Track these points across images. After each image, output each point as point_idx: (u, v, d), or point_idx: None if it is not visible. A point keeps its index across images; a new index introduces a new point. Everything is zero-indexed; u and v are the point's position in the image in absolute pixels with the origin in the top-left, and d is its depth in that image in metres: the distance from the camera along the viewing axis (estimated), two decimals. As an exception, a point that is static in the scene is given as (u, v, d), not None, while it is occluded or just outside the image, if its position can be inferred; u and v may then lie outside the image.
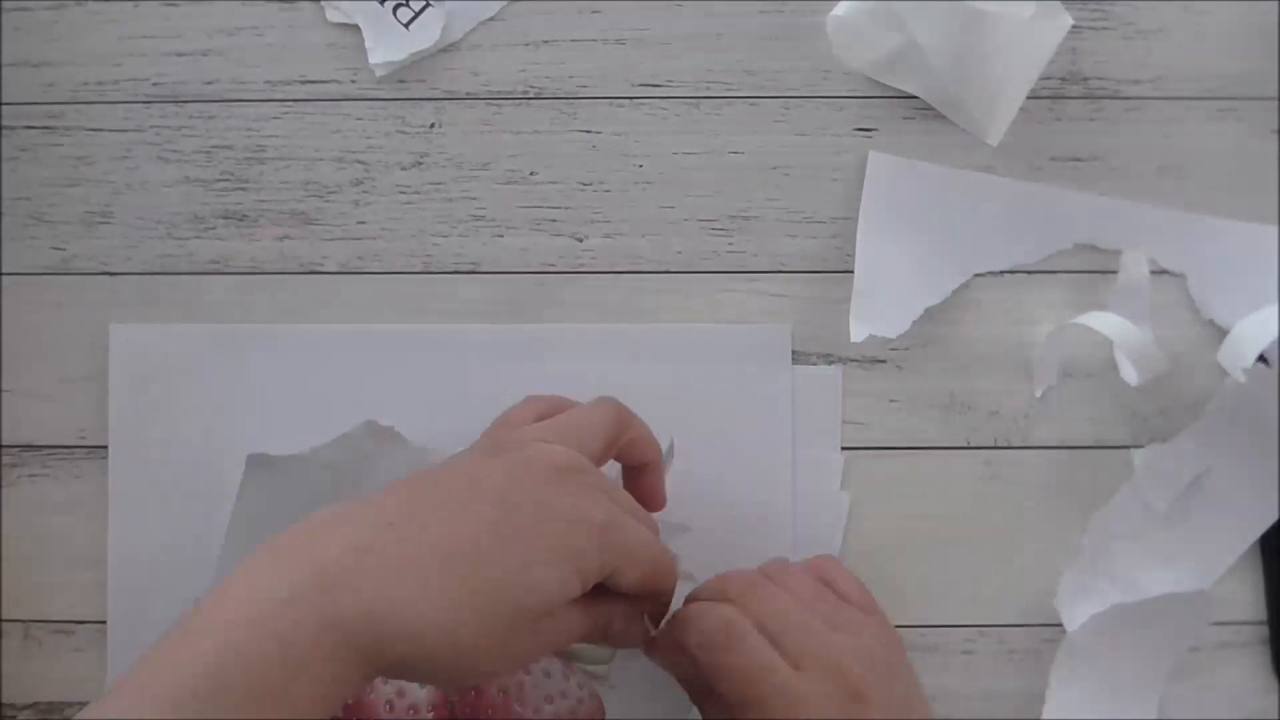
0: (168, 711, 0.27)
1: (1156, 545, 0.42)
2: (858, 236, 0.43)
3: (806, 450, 0.43)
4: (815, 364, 0.43)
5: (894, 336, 0.43)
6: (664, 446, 0.40)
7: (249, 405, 0.43)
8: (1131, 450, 0.43)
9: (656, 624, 0.37)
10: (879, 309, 0.43)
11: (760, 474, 0.42)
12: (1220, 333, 0.43)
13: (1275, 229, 0.43)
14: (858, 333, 0.42)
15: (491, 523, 0.32)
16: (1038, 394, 0.43)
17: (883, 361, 0.43)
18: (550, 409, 0.38)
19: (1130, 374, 0.42)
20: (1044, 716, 0.41)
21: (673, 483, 0.41)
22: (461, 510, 0.32)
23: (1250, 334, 0.41)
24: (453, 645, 0.30)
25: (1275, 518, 0.42)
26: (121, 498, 0.42)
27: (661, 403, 0.40)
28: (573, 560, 0.32)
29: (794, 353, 0.43)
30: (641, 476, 0.39)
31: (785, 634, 0.34)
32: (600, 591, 0.34)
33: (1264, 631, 0.42)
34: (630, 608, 0.36)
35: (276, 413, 0.43)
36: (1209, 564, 0.42)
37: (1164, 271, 0.43)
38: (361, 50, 0.44)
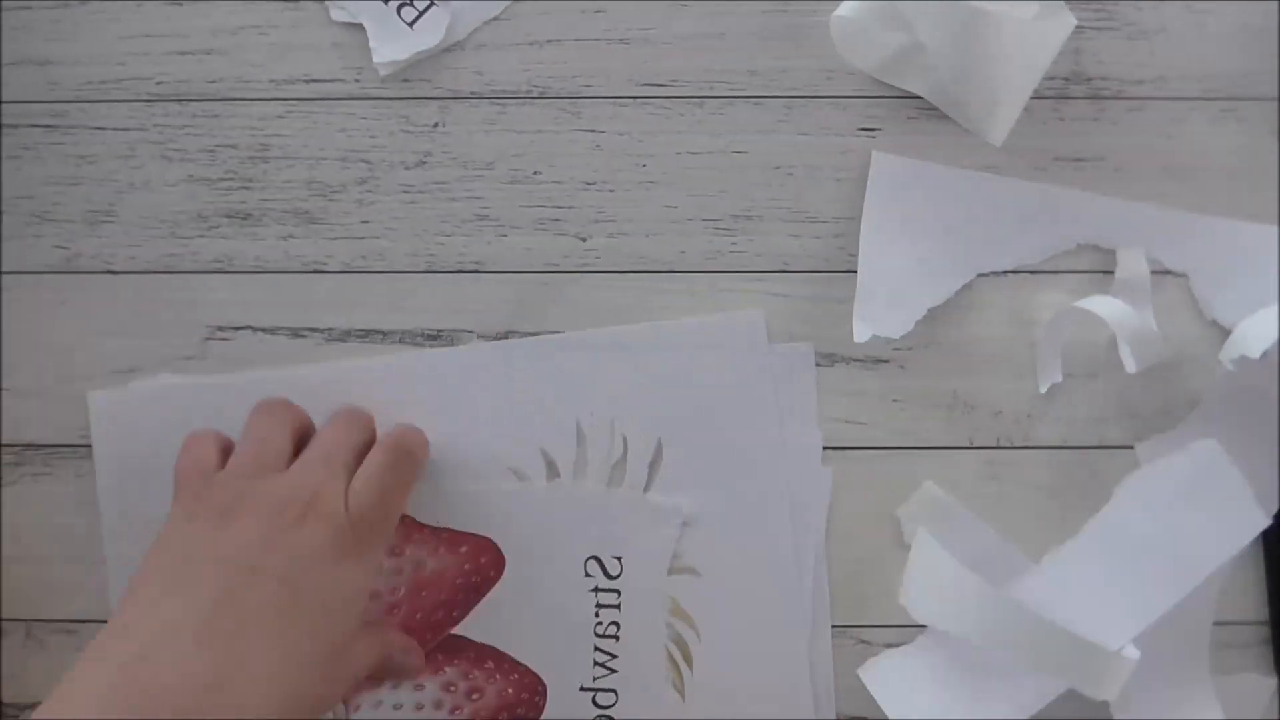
0: None
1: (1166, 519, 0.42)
2: (861, 236, 0.43)
3: (786, 430, 0.43)
4: (819, 365, 0.43)
5: (897, 336, 0.43)
6: (651, 448, 0.41)
7: None
8: (1137, 447, 0.43)
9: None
10: (882, 309, 0.43)
11: (752, 460, 0.43)
12: (1223, 332, 0.43)
13: (1277, 229, 0.43)
14: (861, 333, 0.42)
15: (290, 632, 0.33)
16: (1042, 389, 0.43)
17: (885, 361, 0.43)
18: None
19: (1130, 361, 0.42)
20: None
21: (670, 477, 0.41)
22: (276, 626, 0.33)
23: (1253, 333, 0.41)
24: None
25: (1276, 508, 0.42)
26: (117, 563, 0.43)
27: (646, 402, 0.42)
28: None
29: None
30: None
31: None
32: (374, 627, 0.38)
33: (1264, 631, 0.42)
34: (406, 642, 0.40)
35: None
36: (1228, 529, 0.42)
37: (1166, 271, 0.43)
38: (365, 49, 0.44)
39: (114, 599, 0.42)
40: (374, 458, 0.38)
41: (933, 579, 0.40)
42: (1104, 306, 0.41)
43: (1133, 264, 0.43)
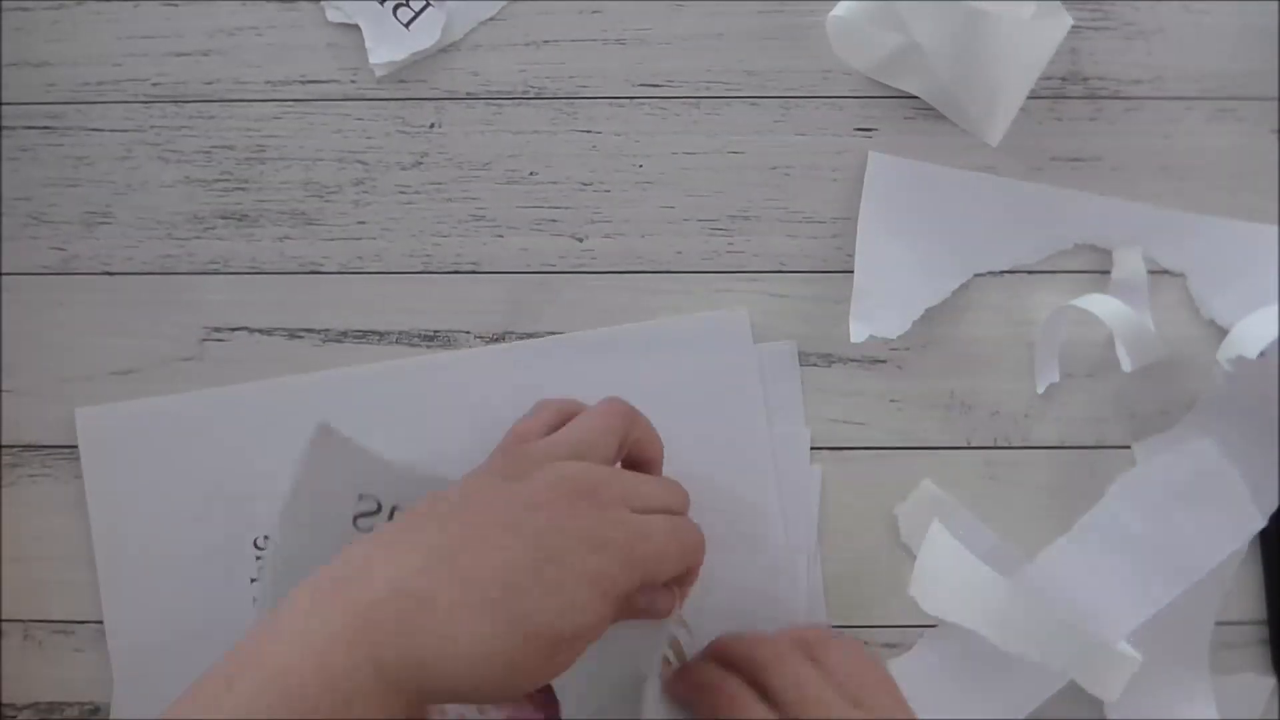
0: None
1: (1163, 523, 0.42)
2: (858, 237, 0.43)
3: (776, 428, 0.43)
4: (817, 365, 0.43)
5: (894, 337, 0.43)
6: None
7: (227, 468, 0.43)
8: (1134, 446, 0.43)
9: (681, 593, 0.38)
10: (879, 309, 0.43)
11: (740, 458, 0.43)
12: (1220, 332, 0.43)
13: (1275, 228, 0.43)
14: (858, 333, 0.42)
15: (523, 559, 0.32)
16: (1040, 390, 0.43)
17: (883, 361, 0.43)
18: (560, 416, 0.38)
19: (1127, 360, 0.42)
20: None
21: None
22: (493, 547, 0.33)
23: (1250, 333, 0.41)
24: (493, 677, 0.31)
25: (1275, 506, 0.42)
26: (113, 601, 0.42)
27: (633, 402, 0.41)
28: (602, 586, 0.33)
29: (799, 353, 0.43)
30: (643, 470, 0.39)
31: (803, 706, 0.35)
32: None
33: (1264, 631, 0.42)
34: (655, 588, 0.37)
35: (260, 471, 0.42)
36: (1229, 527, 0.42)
37: (1164, 271, 0.43)
38: (362, 50, 0.44)
39: (104, 605, 0.42)
40: (679, 542, 0.36)
41: (945, 570, 0.40)
42: (1101, 305, 0.41)
43: (1130, 263, 0.43)
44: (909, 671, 0.42)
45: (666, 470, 0.40)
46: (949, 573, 0.40)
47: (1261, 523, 0.41)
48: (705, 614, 0.42)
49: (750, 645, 0.38)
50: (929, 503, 0.42)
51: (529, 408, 0.41)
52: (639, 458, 0.39)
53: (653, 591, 0.36)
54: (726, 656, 0.39)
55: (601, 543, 0.33)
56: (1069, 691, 0.41)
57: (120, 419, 0.43)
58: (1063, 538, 0.42)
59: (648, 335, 0.43)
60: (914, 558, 0.42)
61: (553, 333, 0.44)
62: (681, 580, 0.38)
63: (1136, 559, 0.41)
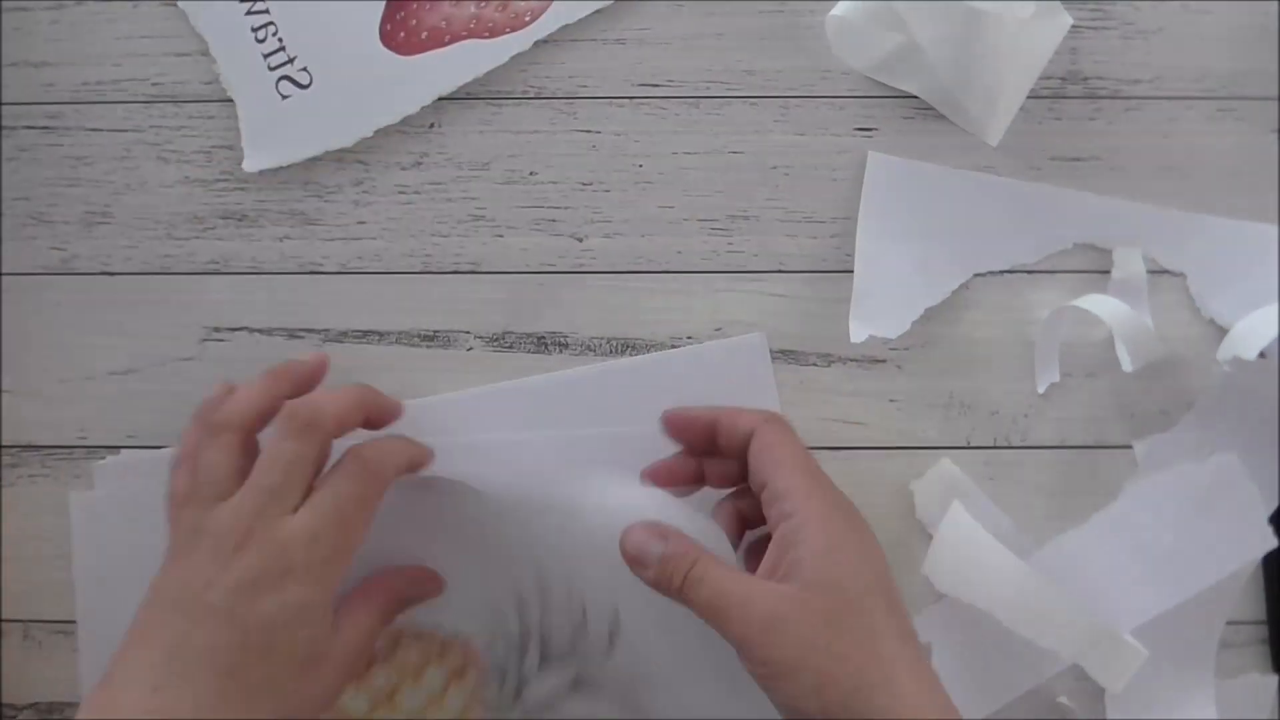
0: None
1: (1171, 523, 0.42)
2: (857, 237, 0.43)
3: None
4: (816, 365, 0.43)
5: (894, 337, 0.43)
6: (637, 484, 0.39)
7: None
8: (1135, 446, 0.43)
9: None
10: (879, 309, 0.43)
11: None
12: (1220, 331, 0.43)
13: (1275, 228, 0.43)
14: (858, 333, 0.42)
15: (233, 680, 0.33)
16: (1041, 390, 0.43)
17: (882, 361, 0.43)
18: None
19: (1127, 360, 0.42)
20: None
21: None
22: (226, 666, 0.33)
23: (1250, 332, 0.41)
24: None
25: (1275, 506, 0.42)
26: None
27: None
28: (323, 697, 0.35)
29: (794, 353, 0.43)
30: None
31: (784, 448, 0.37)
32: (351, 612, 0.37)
33: (1264, 631, 0.42)
34: (398, 584, 0.39)
35: None
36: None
37: (1164, 271, 0.43)
38: (361, 50, 0.44)
39: (84, 680, 0.42)
40: (329, 479, 0.36)
41: (961, 550, 0.40)
42: (1101, 305, 0.41)
43: (1130, 263, 0.43)
44: None
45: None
46: (966, 552, 0.40)
47: (1275, 543, 0.41)
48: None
49: (709, 410, 0.39)
50: (946, 481, 0.42)
51: (553, 441, 0.42)
52: (379, 425, 0.39)
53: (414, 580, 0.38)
54: (684, 419, 0.39)
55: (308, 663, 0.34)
56: (1067, 679, 0.41)
57: (113, 503, 0.42)
58: (1075, 529, 0.42)
59: (670, 363, 0.43)
60: (916, 560, 0.42)
61: (553, 333, 0.43)
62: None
63: (1147, 560, 0.41)
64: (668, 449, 0.40)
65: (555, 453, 0.41)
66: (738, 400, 0.40)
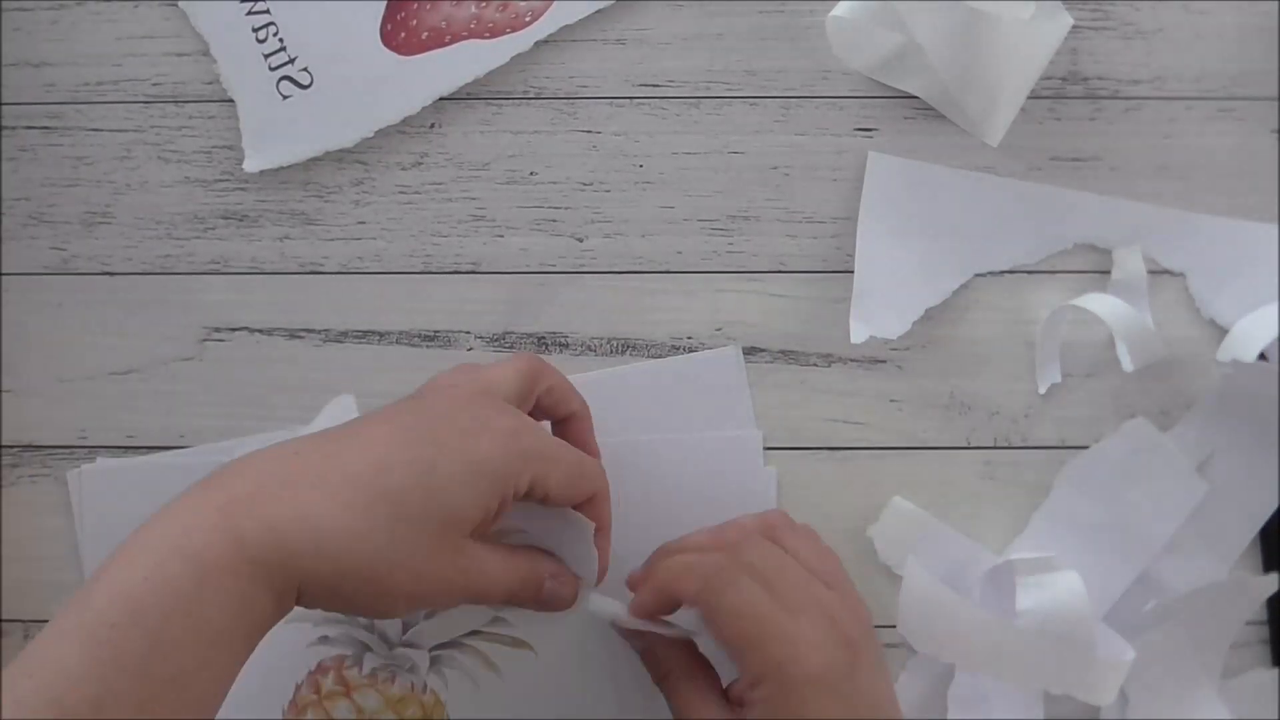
0: (87, 646, 0.28)
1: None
2: (857, 237, 0.43)
3: (726, 432, 0.43)
4: (816, 365, 0.43)
5: (895, 338, 0.43)
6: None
7: None
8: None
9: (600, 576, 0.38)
10: (879, 310, 0.43)
11: (739, 485, 0.43)
12: (1220, 331, 0.43)
13: (1275, 227, 0.43)
14: (858, 334, 0.42)
15: (396, 439, 0.32)
16: (1041, 390, 0.43)
17: (883, 362, 0.43)
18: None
19: (1127, 360, 0.42)
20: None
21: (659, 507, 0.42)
22: (367, 434, 0.32)
23: (1250, 332, 0.41)
24: (361, 558, 0.30)
25: (1275, 506, 0.42)
26: None
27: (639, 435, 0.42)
28: (482, 467, 0.32)
29: (794, 353, 0.43)
30: (569, 429, 0.39)
31: (780, 582, 0.35)
32: (531, 552, 0.35)
33: (1264, 631, 0.42)
34: (560, 568, 0.36)
35: None
36: (1219, 551, 0.42)
37: (1164, 271, 0.43)
38: (361, 50, 0.44)
39: None
40: (573, 455, 0.36)
41: (926, 609, 0.40)
42: (1101, 304, 0.41)
43: (1129, 263, 0.43)
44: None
45: (666, 490, 0.40)
46: (928, 610, 0.39)
47: (1204, 489, 0.41)
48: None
49: (715, 532, 0.38)
50: (901, 519, 0.42)
51: None
52: (559, 413, 0.38)
53: (558, 578, 0.36)
54: (691, 546, 0.38)
55: (482, 427, 0.33)
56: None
57: (114, 478, 0.42)
58: (1020, 536, 0.42)
59: (643, 375, 0.43)
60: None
61: (552, 333, 0.44)
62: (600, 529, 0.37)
63: (1092, 542, 0.41)
64: (633, 461, 0.41)
65: None
66: (711, 413, 0.41)
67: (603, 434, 0.40)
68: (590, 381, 0.42)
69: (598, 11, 0.44)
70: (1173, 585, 0.42)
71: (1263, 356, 0.41)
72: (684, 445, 0.42)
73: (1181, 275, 0.43)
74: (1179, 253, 0.43)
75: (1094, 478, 0.42)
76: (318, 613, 0.33)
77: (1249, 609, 0.42)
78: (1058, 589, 0.39)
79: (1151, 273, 0.43)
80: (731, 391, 0.43)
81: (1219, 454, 0.42)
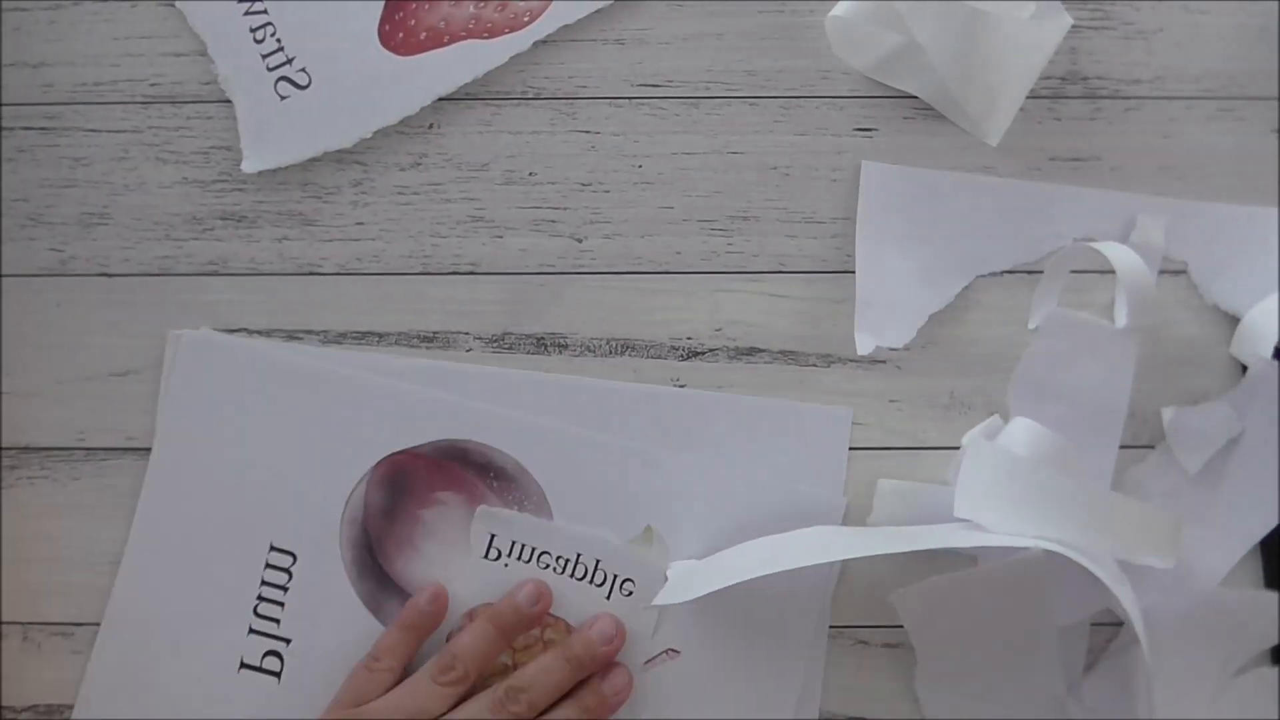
0: None
1: (1188, 506, 0.42)
2: (857, 247, 0.43)
3: (809, 488, 0.43)
4: (816, 365, 0.43)
5: (901, 346, 0.43)
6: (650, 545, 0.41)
7: (296, 438, 0.42)
8: (1163, 412, 0.43)
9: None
10: (883, 319, 0.43)
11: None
12: (1224, 317, 0.43)
13: (1275, 211, 0.43)
14: (864, 345, 0.42)
15: None
16: (1031, 326, 0.43)
17: (883, 362, 0.43)
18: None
19: (1122, 315, 0.42)
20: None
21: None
22: None
23: (1260, 323, 0.41)
24: None
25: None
26: (155, 502, 0.43)
27: (727, 471, 0.42)
28: None
29: (794, 354, 0.43)
30: None
31: None
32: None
33: (1264, 630, 0.42)
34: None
35: (320, 450, 0.42)
36: (1241, 529, 0.42)
37: (1163, 271, 0.43)
38: (360, 50, 0.44)
39: (117, 599, 0.42)
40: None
41: (988, 478, 0.38)
42: (1113, 250, 0.41)
43: (1150, 231, 0.43)
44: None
45: (735, 524, 0.41)
46: (993, 479, 0.38)
47: (1136, 341, 0.42)
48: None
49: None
50: (894, 497, 0.42)
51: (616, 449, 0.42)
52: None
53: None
54: None
55: None
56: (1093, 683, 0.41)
57: (213, 352, 0.43)
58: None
59: (752, 409, 0.43)
60: (915, 561, 0.42)
61: (552, 333, 0.43)
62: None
63: (1068, 435, 0.41)
64: (710, 486, 0.42)
65: (617, 459, 0.42)
66: (803, 465, 0.42)
67: (695, 450, 0.42)
68: (696, 400, 0.43)
69: (597, 11, 0.44)
70: (1172, 581, 0.42)
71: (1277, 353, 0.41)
72: (766, 488, 0.42)
73: (1183, 264, 0.43)
74: (1180, 240, 0.43)
75: (1036, 377, 0.42)
76: None
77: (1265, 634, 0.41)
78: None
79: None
80: (831, 452, 0.43)
81: (1248, 430, 0.42)
